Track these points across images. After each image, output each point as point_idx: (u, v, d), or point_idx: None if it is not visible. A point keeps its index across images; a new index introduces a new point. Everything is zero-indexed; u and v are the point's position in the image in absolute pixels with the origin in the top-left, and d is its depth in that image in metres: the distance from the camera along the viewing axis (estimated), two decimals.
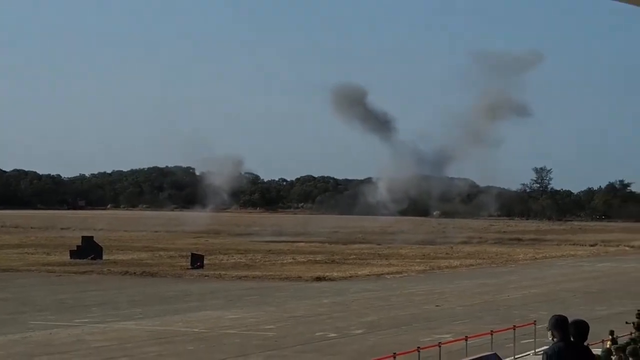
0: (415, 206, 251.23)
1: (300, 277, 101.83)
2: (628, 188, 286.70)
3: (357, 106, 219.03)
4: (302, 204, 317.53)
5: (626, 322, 45.16)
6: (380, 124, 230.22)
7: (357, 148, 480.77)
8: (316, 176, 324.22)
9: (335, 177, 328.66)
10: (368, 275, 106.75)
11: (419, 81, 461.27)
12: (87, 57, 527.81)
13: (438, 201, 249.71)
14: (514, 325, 47.39)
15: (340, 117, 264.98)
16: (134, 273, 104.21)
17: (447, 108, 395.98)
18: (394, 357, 37.14)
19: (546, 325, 14.27)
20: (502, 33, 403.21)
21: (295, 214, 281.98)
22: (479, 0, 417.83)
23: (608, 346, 37.50)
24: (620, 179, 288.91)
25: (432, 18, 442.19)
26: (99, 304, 74.82)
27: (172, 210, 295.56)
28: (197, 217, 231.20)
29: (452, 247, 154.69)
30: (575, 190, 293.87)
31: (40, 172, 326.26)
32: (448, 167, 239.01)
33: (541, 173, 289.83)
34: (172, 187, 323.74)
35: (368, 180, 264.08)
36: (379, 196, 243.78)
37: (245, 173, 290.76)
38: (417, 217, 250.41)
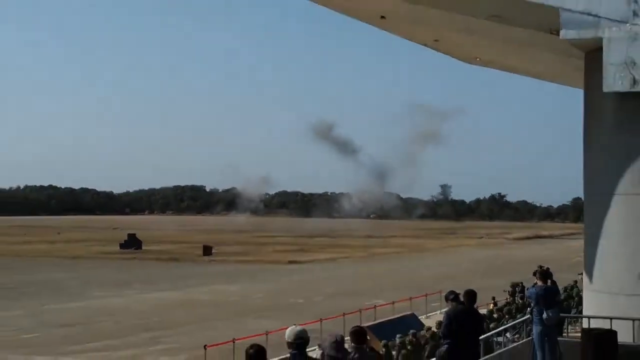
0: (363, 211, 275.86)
1: (279, 260, 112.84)
2: (504, 198, 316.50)
3: (325, 135, 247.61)
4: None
5: (503, 291, 51.65)
6: (343, 149, 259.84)
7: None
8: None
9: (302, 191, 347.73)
10: (328, 258, 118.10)
11: (373, 118, 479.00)
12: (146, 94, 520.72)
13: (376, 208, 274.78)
14: (426, 294, 54.36)
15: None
16: (164, 259, 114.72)
17: (391, 139, 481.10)
18: (343, 316, 43.88)
19: (447, 293, 17.17)
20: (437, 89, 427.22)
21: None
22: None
23: (491, 308, 44.33)
24: (499, 192, 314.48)
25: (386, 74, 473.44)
26: (139, 280, 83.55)
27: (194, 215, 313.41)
28: (210, 220, 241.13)
29: (383, 241, 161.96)
30: (467, 200, 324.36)
31: (98, 189, 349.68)
32: (387, 181, 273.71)
33: (444, 187, 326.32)
34: (190, 199, 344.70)
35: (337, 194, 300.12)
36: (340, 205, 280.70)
37: None
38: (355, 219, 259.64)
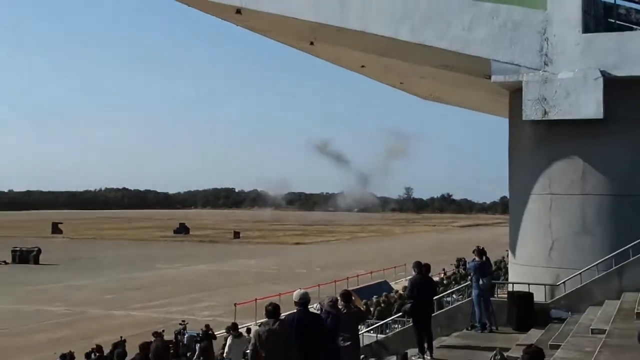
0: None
1: (287, 242, 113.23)
2: (451, 197, 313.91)
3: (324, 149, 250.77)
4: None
5: (451, 264, 52.75)
6: (337, 160, 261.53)
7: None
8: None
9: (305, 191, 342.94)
10: (324, 241, 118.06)
11: (360, 137, 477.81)
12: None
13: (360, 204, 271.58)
14: (395, 266, 55.44)
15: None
16: (205, 241, 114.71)
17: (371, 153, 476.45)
18: (335, 282, 44.56)
19: (411, 265, 16.51)
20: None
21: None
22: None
23: (442, 276, 44.68)
24: (448, 192, 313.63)
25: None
26: (187, 257, 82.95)
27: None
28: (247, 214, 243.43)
29: (363, 227, 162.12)
30: (424, 198, 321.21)
31: (158, 190, 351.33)
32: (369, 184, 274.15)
33: (408, 189, 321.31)
34: (224, 197, 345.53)
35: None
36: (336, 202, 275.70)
37: None
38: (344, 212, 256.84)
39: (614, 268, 17.70)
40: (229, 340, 19.59)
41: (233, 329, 22.02)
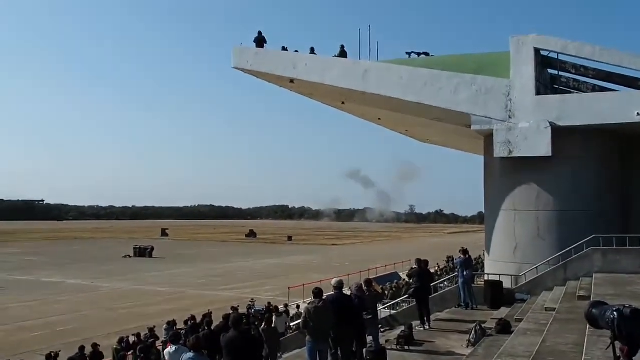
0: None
1: (326, 243, 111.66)
2: (443, 211, 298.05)
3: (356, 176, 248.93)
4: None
5: (443, 260, 50.74)
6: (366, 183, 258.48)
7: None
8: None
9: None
10: (352, 243, 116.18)
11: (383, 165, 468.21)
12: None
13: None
14: (402, 261, 53.57)
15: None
16: (267, 242, 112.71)
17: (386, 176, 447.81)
18: (360, 273, 42.35)
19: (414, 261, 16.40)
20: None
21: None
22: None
23: (436, 269, 41.90)
24: (440, 208, 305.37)
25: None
26: (255, 253, 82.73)
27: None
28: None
29: (379, 233, 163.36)
30: (423, 212, 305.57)
31: (235, 206, 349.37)
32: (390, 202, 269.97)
33: (412, 206, 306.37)
34: (281, 211, 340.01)
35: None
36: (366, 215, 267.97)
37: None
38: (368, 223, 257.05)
39: (561, 263, 17.53)
40: (274, 317, 19.59)
41: (276, 310, 22.07)
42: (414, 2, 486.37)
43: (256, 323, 21.65)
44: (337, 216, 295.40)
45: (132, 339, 21.35)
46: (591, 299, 11.25)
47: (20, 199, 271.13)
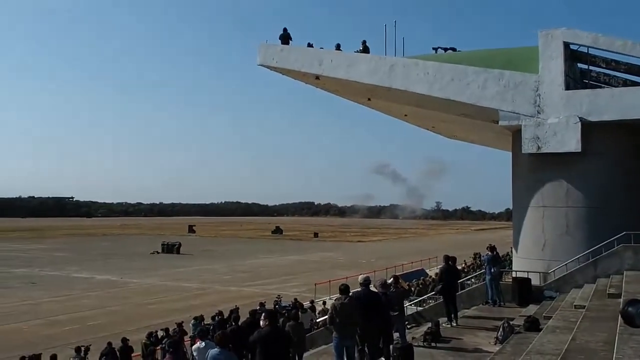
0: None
1: (351, 240, 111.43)
2: (469, 208, 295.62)
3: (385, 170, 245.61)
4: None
5: (470, 257, 49.43)
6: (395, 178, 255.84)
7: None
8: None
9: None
10: (378, 239, 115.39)
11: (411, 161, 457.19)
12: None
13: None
14: (429, 258, 54.70)
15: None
16: (293, 239, 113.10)
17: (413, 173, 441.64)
18: (386, 270, 42.63)
19: (440, 258, 17.15)
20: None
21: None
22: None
23: (463, 265, 40.75)
24: (467, 205, 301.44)
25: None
26: (280, 250, 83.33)
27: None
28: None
29: (406, 230, 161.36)
30: (450, 209, 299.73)
31: (261, 203, 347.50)
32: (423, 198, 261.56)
33: (438, 203, 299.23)
34: (307, 208, 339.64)
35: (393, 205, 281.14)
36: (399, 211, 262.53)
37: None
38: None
39: (591, 260, 17.31)
40: (300, 313, 19.64)
41: (300, 306, 22.17)
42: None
43: (281, 319, 21.79)
44: (368, 212, 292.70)
45: (160, 333, 21.57)
46: (622, 297, 11.13)
47: (50, 196, 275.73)
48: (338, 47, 23.83)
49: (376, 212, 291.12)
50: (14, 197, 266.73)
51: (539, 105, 19.18)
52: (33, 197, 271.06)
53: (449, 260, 15.50)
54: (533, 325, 12.33)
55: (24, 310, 35.24)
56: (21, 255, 73.73)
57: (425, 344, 12.88)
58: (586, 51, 19.72)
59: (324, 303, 28.36)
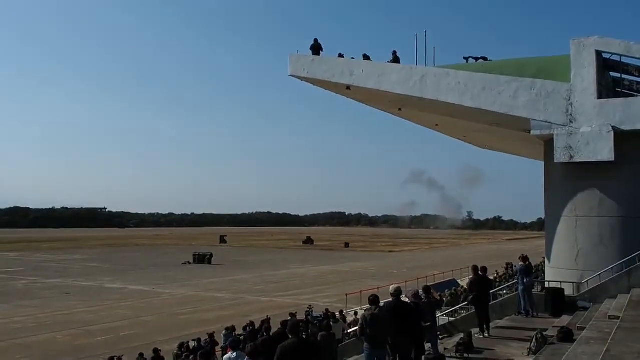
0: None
1: (383, 250, 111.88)
2: (501, 218, 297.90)
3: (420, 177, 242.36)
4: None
5: (502, 267, 48.86)
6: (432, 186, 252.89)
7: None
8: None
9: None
10: (410, 249, 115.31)
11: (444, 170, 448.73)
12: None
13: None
14: (460, 268, 51.92)
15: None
16: (324, 249, 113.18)
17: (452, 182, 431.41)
18: (417, 280, 42.73)
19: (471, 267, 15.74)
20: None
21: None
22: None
23: (495, 276, 41.79)
24: (498, 214, 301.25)
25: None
26: (312, 260, 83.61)
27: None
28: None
29: (437, 240, 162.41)
30: (481, 219, 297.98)
31: (292, 213, 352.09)
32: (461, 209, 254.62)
33: (470, 212, 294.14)
34: (338, 218, 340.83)
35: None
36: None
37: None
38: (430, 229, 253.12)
39: (625, 270, 17.03)
40: (331, 323, 19.70)
41: (333, 317, 22.20)
42: (469, 7, 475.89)
43: (313, 330, 21.82)
44: (412, 221, 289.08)
45: (192, 344, 21.79)
46: None
47: (83, 207, 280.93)
48: (366, 57, 23.95)
49: (418, 222, 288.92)
50: (48, 207, 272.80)
51: (571, 114, 19.04)
52: (66, 208, 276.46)
53: (477, 271, 15.43)
54: (567, 336, 12.26)
55: (58, 321, 35.82)
56: (54, 265, 75.12)
57: (457, 354, 12.84)
58: (619, 59, 19.55)
59: (356, 313, 28.40)
